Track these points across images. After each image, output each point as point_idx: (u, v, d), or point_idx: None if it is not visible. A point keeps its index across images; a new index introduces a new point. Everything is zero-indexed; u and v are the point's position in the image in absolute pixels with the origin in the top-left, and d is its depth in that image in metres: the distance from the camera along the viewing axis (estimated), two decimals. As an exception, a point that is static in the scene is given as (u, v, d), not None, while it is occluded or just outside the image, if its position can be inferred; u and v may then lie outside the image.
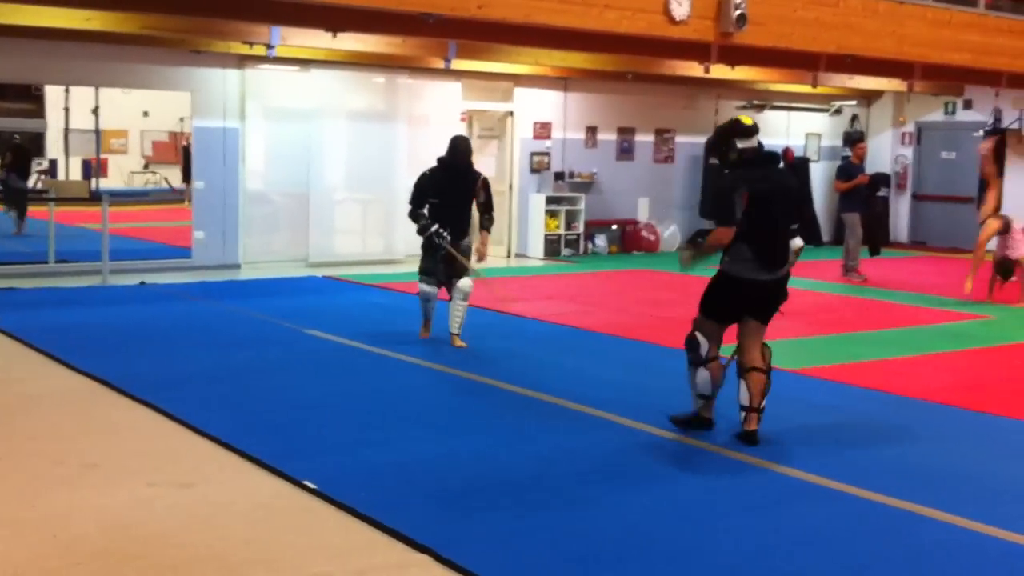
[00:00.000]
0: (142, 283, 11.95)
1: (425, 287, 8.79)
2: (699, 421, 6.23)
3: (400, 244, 14.79)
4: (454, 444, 5.98)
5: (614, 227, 16.84)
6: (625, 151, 17.07)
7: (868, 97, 19.38)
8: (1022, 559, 4.48)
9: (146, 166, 23.57)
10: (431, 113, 15.31)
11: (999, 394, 7.52)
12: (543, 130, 16.18)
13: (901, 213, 19.53)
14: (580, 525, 4.74)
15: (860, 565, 4.37)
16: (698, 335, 6.10)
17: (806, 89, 17.11)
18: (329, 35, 11.28)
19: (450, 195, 8.58)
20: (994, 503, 5.14)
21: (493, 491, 5.19)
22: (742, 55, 12.99)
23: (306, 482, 5.15)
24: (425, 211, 8.59)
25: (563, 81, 16.10)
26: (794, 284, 13.94)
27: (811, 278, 14.01)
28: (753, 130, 6.09)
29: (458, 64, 13.80)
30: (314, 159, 14.35)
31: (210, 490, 5.13)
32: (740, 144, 6.02)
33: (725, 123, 6.23)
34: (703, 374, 6.09)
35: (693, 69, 14.06)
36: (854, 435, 6.44)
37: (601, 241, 16.65)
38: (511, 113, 15.96)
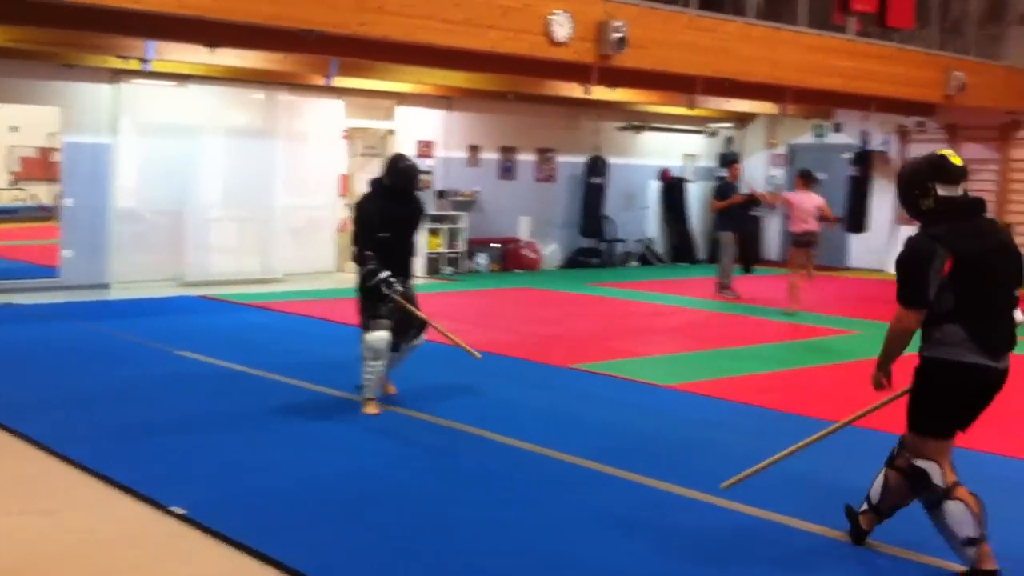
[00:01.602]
0: (7, 304, 11.51)
1: (382, 334, 6.99)
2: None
3: (277, 263, 14.59)
4: (328, 467, 5.90)
5: (496, 246, 16.92)
6: (507, 170, 17.19)
7: (743, 119, 19.93)
8: (897, 569, 4.63)
9: (15, 182, 22.73)
10: (312, 130, 15.18)
11: (858, 407, 7.76)
12: (425, 148, 16.18)
13: (774, 231, 20.11)
14: (462, 545, 4.72)
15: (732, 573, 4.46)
16: (925, 465, 4.47)
17: (684, 111, 17.53)
18: (207, 50, 11.09)
19: (397, 229, 7.05)
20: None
21: (368, 514, 5.13)
22: (622, 77, 13.24)
23: (174, 508, 5.02)
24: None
25: (446, 100, 16.15)
26: (668, 301, 14.21)
27: (686, 295, 14.33)
28: (962, 174, 4.46)
29: (340, 81, 13.73)
30: (190, 176, 14.06)
31: (75, 517, 4.96)
32: (942, 191, 4.41)
33: (922, 159, 4.56)
34: (955, 507, 4.36)
35: (574, 90, 14.27)
36: (727, 448, 6.57)
37: (483, 259, 16.71)
38: (393, 131, 15.91)
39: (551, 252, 17.55)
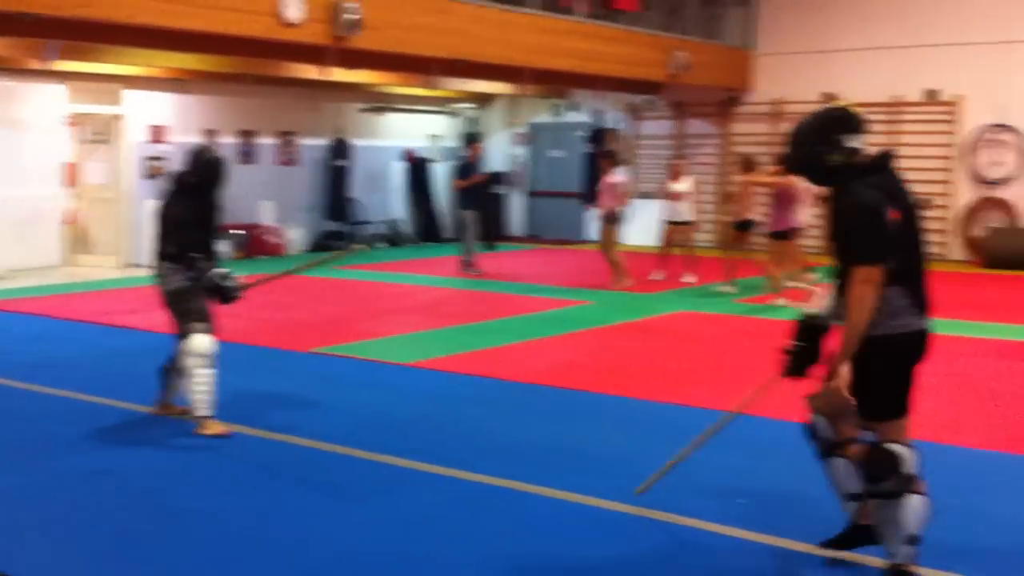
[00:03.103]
0: None
1: (208, 337, 6.30)
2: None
3: (-1, 258, 13.72)
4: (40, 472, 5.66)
5: (238, 232, 16.50)
6: (247, 154, 16.79)
7: (484, 100, 20.31)
8: (612, 523, 4.90)
9: None
10: (32, 118, 14.31)
11: (593, 373, 8.17)
12: (157, 134, 15.57)
13: (516, 209, 20.66)
14: (196, 539, 4.65)
15: (466, 544, 4.60)
16: (899, 449, 4.05)
17: (424, 92, 17.67)
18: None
19: (210, 228, 6.54)
20: (585, 472, 5.58)
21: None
22: (359, 59, 13.21)
23: None
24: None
25: (178, 83, 15.57)
26: (415, 281, 14.34)
27: (432, 274, 14.52)
28: (864, 123, 4.15)
29: (62, 65, 12.99)
30: None
31: None
32: (849, 142, 4.09)
33: (818, 114, 4.22)
34: (918, 501, 4.01)
35: (312, 72, 14.10)
36: (462, 420, 6.75)
37: (225, 246, 16.26)
38: (122, 116, 15.22)
39: (297, 236, 17.32)
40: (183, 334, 6.33)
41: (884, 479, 3.98)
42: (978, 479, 5.57)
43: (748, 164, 12.52)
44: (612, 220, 12.98)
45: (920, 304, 4.07)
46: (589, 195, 17.32)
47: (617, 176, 13.23)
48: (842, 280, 4.07)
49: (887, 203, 3.97)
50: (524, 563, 4.41)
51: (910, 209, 4.08)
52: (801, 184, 10.76)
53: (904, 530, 3.98)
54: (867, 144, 4.13)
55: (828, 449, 4.20)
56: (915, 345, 4.07)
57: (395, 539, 4.64)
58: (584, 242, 19.20)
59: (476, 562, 4.39)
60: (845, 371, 4.01)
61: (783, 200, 11.37)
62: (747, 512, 4.92)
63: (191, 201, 6.40)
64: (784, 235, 11.44)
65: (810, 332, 4.25)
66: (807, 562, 4.39)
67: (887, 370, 4.04)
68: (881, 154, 4.15)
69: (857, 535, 4.28)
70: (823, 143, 4.09)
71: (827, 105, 4.30)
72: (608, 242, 13.10)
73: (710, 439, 4.82)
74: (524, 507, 5.09)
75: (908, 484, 3.97)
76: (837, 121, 4.12)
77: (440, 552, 4.49)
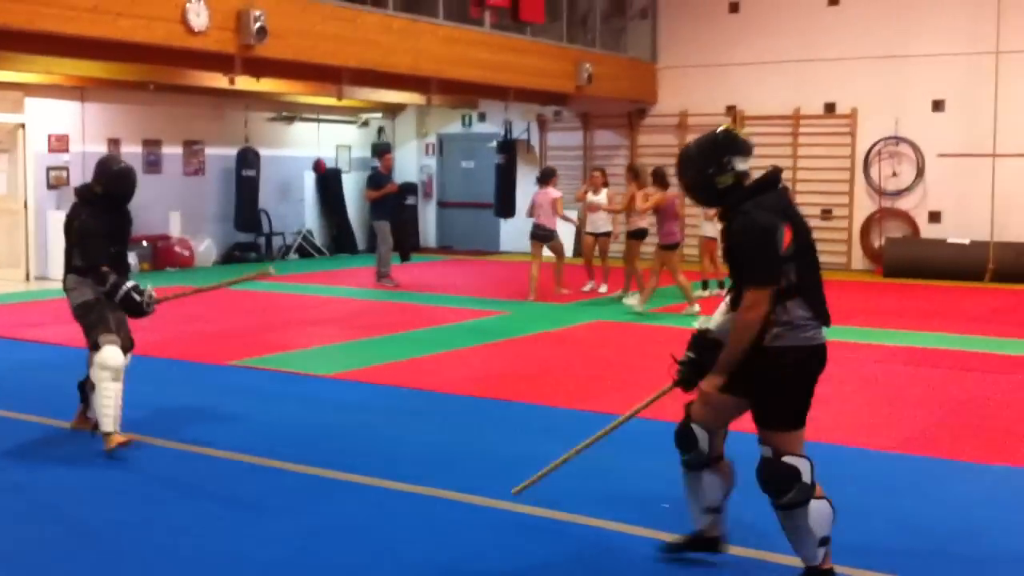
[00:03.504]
0: None
1: (116, 350, 6.15)
2: None
3: None
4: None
5: (145, 243, 16.19)
6: (152, 164, 16.48)
7: (393, 110, 20.27)
8: (533, 527, 4.94)
9: None
10: (-75, 125, 13.85)
11: (508, 382, 8.22)
12: (59, 143, 15.19)
13: (428, 219, 20.66)
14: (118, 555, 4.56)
15: (385, 550, 4.60)
16: (796, 462, 4.11)
17: (333, 101, 17.57)
18: None
19: (120, 241, 6.40)
20: (494, 476, 5.61)
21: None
22: (266, 67, 13.10)
23: None
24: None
25: (79, 90, 15.22)
26: (328, 292, 14.26)
27: (346, 285, 14.44)
28: (751, 145, 4.28)
29: (-43, 72, 12.61)
30: None
31: None
32: (740, 165, 4.19)
33: (706, 138, 4.31)
34: (821, 506, 4.13)
35: (219, 80, 13.92)
36: (381, 429, 6.74)
37: (132, 258, 15.90)
38: (23, 125, 14.81)
39: (206, 248, 17.02)
40: (92, 347, 6.19)
41: (787, 491, 4.08)
42: (887, 480, 5.76)
43: (635, 174, 12.83)
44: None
45: (821, 316, 4.17)
46: (501, 205, 17.43)
47: (553, 191, 13.37)
48: (736, 295, 4.20)
49: (780, 222, 4.07)
50: (439, 567, 4.44)
51: (802, 224, 4.20)
52: (678, 199, 11.49)
53: (814, 535, 4.10)
54: (753, 162, 4.23)
55: (701, 462, 4.35)
56: (818, 358, 4.18)
57: (315, 548, 4.63)
58: (498, 253, 19.28)
59: (397, 569, 4.40)
60: (714, 384, 4.18)
61: (667, 214, 11.76)
62: (670, 515, 5.00)
63: (99, 212, 6.23)
64: (670, 247, 11.84)
65: (702, 345, 4.37)
66: (732, 562, 4.49)
67: (793, 381, 4.13)
68: (770, 173, 4.24)
69: (702, 544, 4.47)
70: (713, 166, 4.19)
71: (715, 129, 4.37)
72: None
73: (600, 441, 4.79)
74: (439, 513, 5.12)
75: (810, 492, 4.09)
76: (724, 144, 4.22)
77: (358, 560, 4.49)
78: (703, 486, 4.36)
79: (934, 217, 16.44)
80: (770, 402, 4.14)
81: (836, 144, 16.97)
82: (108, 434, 6.02)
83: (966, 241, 15.65)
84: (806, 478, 4.08)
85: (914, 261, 15.84)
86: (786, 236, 4.05)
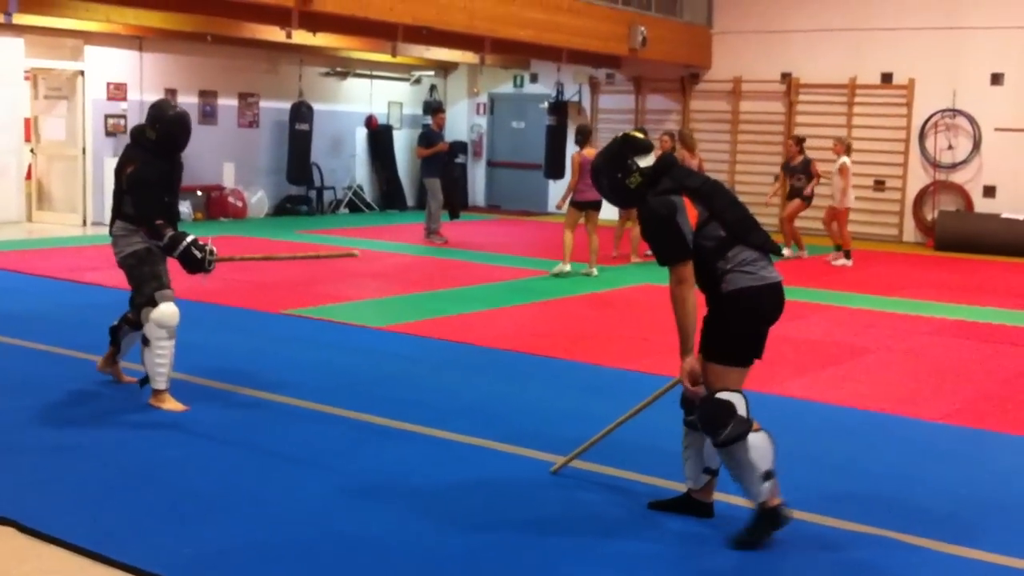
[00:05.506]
0: None
1: (172, 307, 5.98)
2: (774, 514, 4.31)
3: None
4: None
5: (199, 193, 16.44)
6: (208, 115, 16.67)
7: (445, 68, 20.29)
8: (572, 478, 5.06)
9: None
10: (-11, 70, 14.10)
11: (556, 340, 8.31)
12: (118, 91, 15.41)
13: (477, 179, 20.72)
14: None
15: (435, 498, 4.73)
16: (731, 397, 4.27)
17: (387, 58, 17.63)
18: None
19: (172, 191, 6.16)
20: (544, 430, 5.72)
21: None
22: (322, 22, 13.16)
23: None
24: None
25: (138, 40, 15.40)
26: (378, 247, 14.34)
27: (396, 241, 14.56)
28: (650, 143, 4.54)
29: (21, 18, 12.79)
30: None
31: None
32: (643, 163, 4.41)
33: (609, 148, 4.53)
34: (760, 439, 4.28)
35: (275, 33, 14.03)
36: (428, 381, 6.86)
37: (185, 208, 16.15)
38: (82, 72, 15.04)
39: (258, 200, 17.24)
40: (141, 300, 6.01)
41: (723, 426, 4.20)
42: (933, 449, 5.79)
43: (683, 139, 13.04)
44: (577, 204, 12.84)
45: (764, 247, 4.34)
46: (551, 167, 17.44)
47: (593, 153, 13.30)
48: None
49: (678, 201, 4.27)
50: (487, 517, 4.55)
51: (707, 183, 4.45)
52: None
53: (756, 469, 4.22)
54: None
55: (746, 429, 4.29)
56: (770, 295, 4.32)
57: (365, 494, 4.76)
58: (545, 214, 19.31)
59: (450, 518, 4.52)
60: (689, 364, 4.30)
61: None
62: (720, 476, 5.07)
63: (151, 159, 5.95)
64: None
65: None
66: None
67: (743, 316, 4.29)
68: (660, 158, 4.46)
69: (691, 505, 4.59)
70: (620, 170, 4.40)
71: (614, 137, 4.59)
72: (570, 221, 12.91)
73: (641, 412, 4.93)
74: (490, 463, 5.23)
75: (747, 425, 4.22)
76: (625, 147, 4.44)
77: (409, 506, 4.61)
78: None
79: (989, 192, 16.25)
80: (716, 332, 4.32)
81: (892, 115, 16.77)
82: (159, 392, 5.94)
83: (1021, 216, 15.46)
84: (741, 411, 4.22)
85: (967, 235, 15.68)
86: (689, 211, 4.27)
